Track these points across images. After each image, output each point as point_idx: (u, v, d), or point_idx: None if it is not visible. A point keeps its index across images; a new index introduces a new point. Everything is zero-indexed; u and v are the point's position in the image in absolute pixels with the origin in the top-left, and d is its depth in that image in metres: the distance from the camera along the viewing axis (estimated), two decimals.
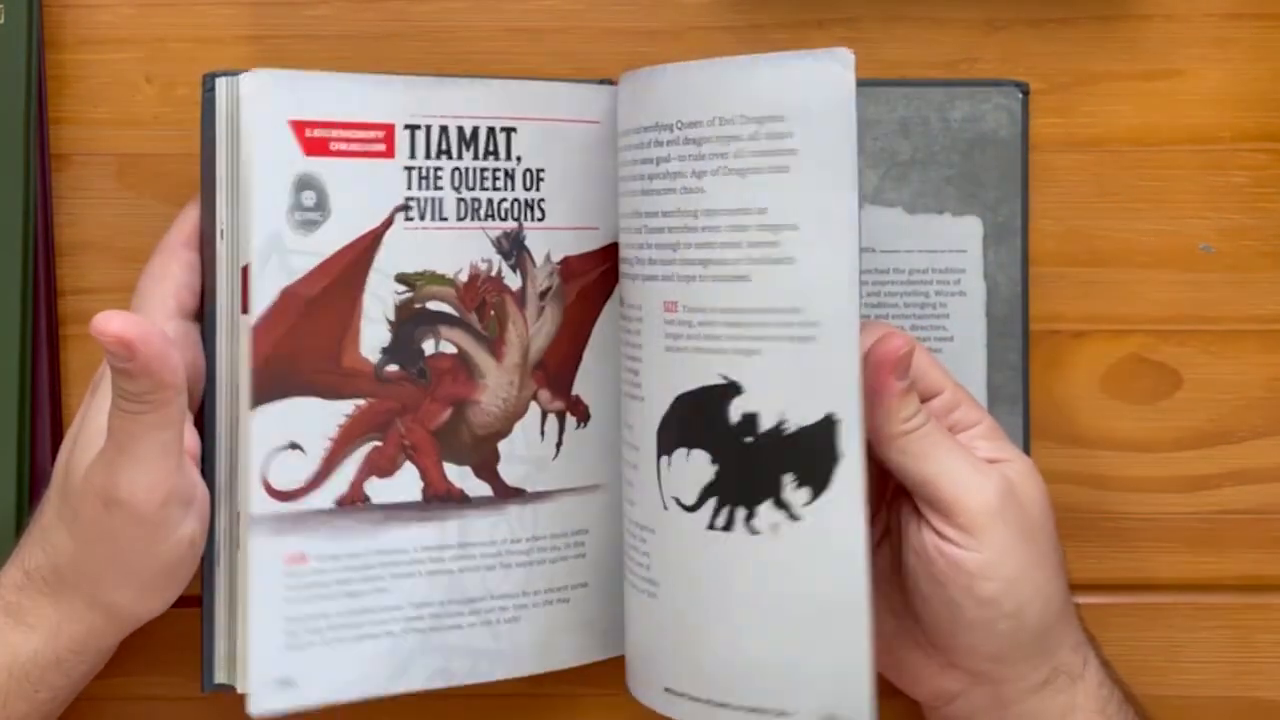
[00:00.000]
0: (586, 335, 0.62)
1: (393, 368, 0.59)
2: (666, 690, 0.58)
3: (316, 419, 0.57)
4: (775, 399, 0.54)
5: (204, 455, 0.58)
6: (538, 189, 0.60)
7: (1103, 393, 0.64)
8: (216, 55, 0.64)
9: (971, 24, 0.64)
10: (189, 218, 0.60)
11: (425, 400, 0.59)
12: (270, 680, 0.56)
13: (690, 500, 0.56)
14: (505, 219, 0.60)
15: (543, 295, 0.61)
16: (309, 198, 0.57)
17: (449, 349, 0.59)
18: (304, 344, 0.57)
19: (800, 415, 0.53)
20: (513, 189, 0.60)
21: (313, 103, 0.57)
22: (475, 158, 0.59)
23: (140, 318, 0.54)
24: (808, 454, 0.53)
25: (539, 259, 0.60)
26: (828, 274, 0.52)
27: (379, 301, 0.58)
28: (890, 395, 0.54)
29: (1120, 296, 0.64)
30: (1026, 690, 0.57)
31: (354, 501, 0.58)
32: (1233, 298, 0.64)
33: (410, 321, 0.59)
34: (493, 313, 0.60)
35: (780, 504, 0.54)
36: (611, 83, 0.60)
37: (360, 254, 0.58)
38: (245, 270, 0.57)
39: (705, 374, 0.55)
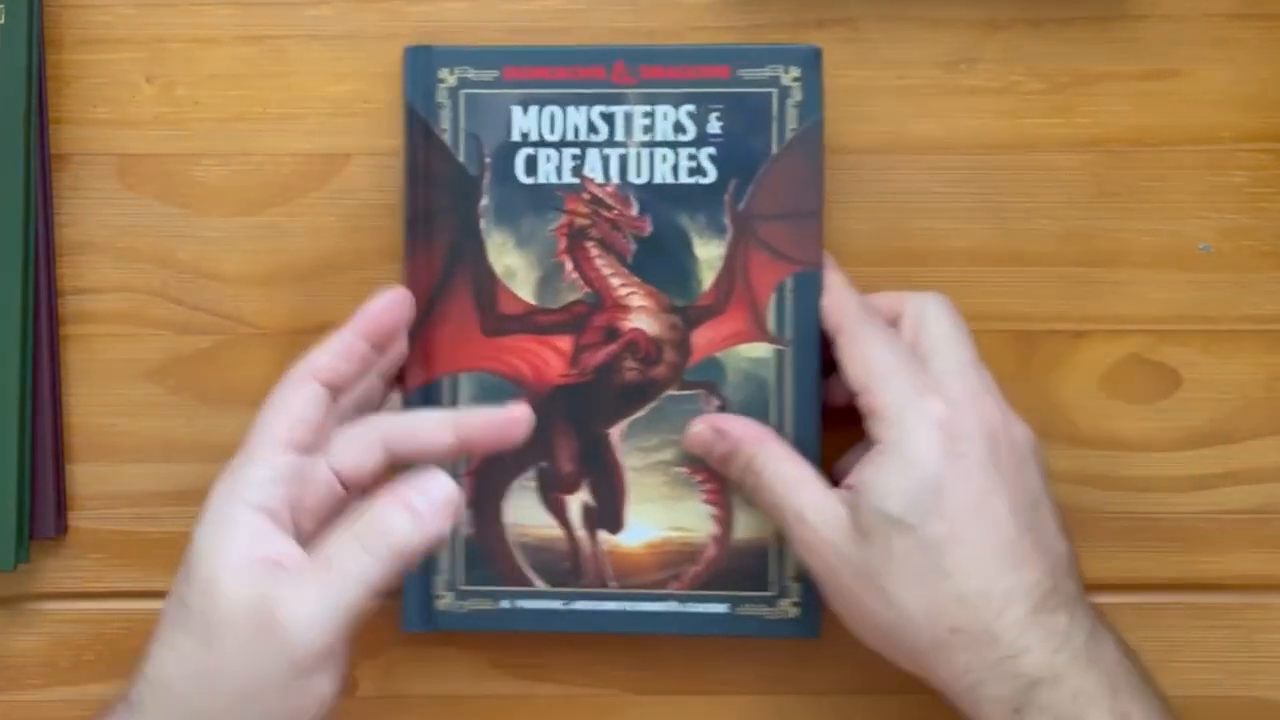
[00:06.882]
0: None
1: None
2: None
3: None
4: None
5: None
6: None
7: (1102, 393, 0.64)
8: (216, 55, 0.64)
9: (971, 24, 0.64)
10: (321, 353, 0.57)
11: None
12: None
13: None
14: None
15: None
16: None
17: None
18: None
19: None
20: None
21: None
22: None
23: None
24: None
25: None
26: None
27: None
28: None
29: (1120, 296, 0.64)
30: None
31: None
32: (1233, 298, 0.64)
33: None
34: None
35: None
36: None
37: None
38: None
39: None
